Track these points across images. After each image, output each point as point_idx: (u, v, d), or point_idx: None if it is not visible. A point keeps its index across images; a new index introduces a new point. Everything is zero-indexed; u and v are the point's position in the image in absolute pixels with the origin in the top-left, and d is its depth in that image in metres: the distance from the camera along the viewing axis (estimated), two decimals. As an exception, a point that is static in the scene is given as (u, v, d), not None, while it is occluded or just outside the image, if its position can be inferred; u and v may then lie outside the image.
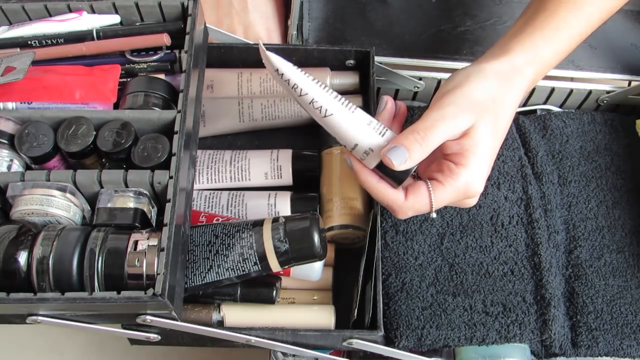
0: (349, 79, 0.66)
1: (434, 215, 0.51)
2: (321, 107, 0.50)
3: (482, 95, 0.50)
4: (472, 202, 0.52)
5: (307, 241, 0.50)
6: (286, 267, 0.51)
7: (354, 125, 0.50)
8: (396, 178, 0.50)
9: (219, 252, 0.51)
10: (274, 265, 0.50)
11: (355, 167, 0.51)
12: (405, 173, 0.50)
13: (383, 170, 0.50)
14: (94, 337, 1.13)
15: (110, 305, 0.45)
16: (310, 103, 0.50)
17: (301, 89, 0.50)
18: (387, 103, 0.53)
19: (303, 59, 0.65)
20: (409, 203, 0.50)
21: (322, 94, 0.50)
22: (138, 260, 0.46)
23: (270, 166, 0.61)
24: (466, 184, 0.49)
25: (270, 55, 0.50)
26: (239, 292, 0.54)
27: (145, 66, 0.57)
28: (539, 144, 0.64)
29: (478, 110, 0.49)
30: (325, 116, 0.50)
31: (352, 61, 0.66)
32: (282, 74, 0.50)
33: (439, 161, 0.51)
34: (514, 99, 0.51)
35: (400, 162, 0.48)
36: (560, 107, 0.71)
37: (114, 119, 0.52)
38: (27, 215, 0.49)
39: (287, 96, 0.65)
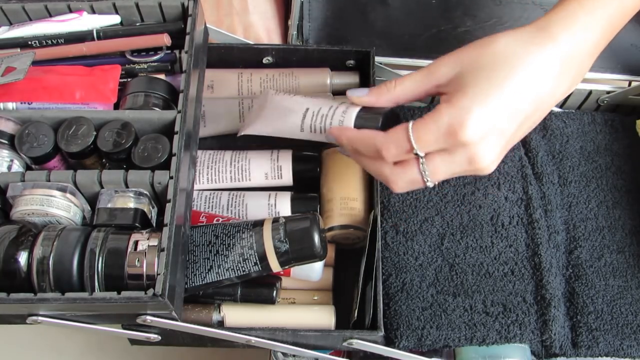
0: (349, 79, 0.66)
1: (420, 153, 0.47)
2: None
3: (478, 48, 0.47)
4: (482, 160, 0.47)
5: (307, 241, 0.50)
6: (286, 267, 0.51)
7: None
8: (369, 124, 0.51)
9: (219, 253, 0.51)
10: (274, 266, 0.50)
11: (335, 132, 0.51)
12: (374, 120, 0.51)
13: (359, 123, 0.52)
14: (94, 337, 1.13)
15: (110, 306, 0.45)
16: (291, 96, 0.57)
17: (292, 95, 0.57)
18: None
19: (303, 59, 0.65)
20: (386, 137, 0.48)
21: None
22: (138, 260, 0.46)
23: (270, 166, 0.61)
24: (449, 117, 0.46)
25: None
26: (239, 292, 0.54)
27: (146, 66, 0.57)
28: (539, 144, 0.64)
29: (466, 58, 0.48)
30: (311, 97, 0.56)
31: (352, 61, 0.66)
32: (275, 91, 0.58)
33: None
34: (534, 54, 0.46)
35: (358, 94, 0.51)
36: (561, 107, 0.71)
37: (114, 119, 0.52)
38: (28, 216, 0.49)
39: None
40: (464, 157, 0.47)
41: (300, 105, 0.55)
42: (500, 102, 0.46)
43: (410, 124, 0.47)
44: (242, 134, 0.58)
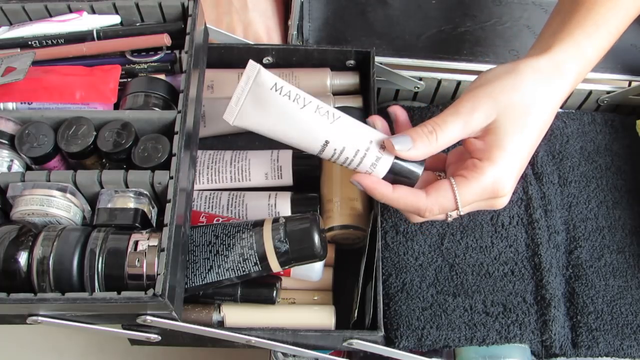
0: (349, 80, 0.66)
1: (461, 213, 0.49)
2: (328, 111, 0.49)
3: (510, 92, 0.48)
4: (502, 202, 0.50)
5: (307, 241, 0.50)
6: (286, 267, 0.51)
7: (360, 125, 0.50)
8: (407, 175, 0.50)
9: (219, 253, 0.51)
10: (274, 266, 0.50)
11: (368, 185, 0.49)
12: (414, 171, 0.49)
13: (395, 172, 0.49)
14: (94, 338, 1.13)
15: (110, 306, 0.45)
16: (315, 111, 0.49)
17: (304, 98, 0.49)
18: (377, 122, 0.52)
19: (303, 59, 0.65)
20: (431, 199, 0.48)
21: (321, 101, 0.50)
22: (138, 260, 0.46)
23: (270, 166, 0.61)
24: (494, 180, 0.48)
25: (265, 72, 0.48)
26: (239, 292, 0.54)
27: (146, 66, 0.57)
28: (539, 144, 0.64)
29: (502, 106, 0.48)
30: (334, 120, 0.49)
31: (352, 61, 0.66)
32: (282, 87, 0.48)
33: (465, 160, 0.50)
34: (552, 96, 0.49)
35: (403, 147, 0.48)
36: (561, 107, 0.71)
37: (114, 120, 0.52)
38: (28, 216, 0.49)
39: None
40: (490, 203, 0.50)
41: (317, 134, 0.49)
42: (528, 150, 0.49)
43: (455, 186, 0.48)
44: (236, 124, 0.49)
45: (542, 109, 0.49)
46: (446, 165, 0.54)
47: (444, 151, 0.53)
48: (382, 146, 0.49)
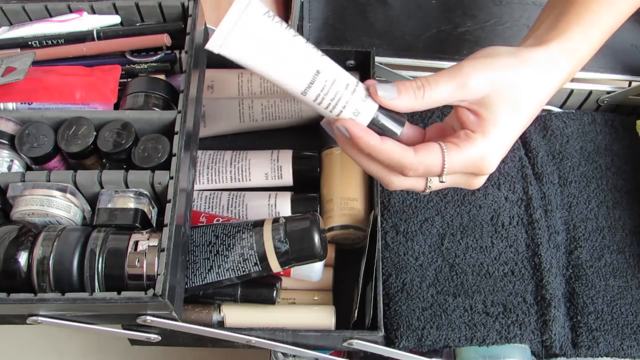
0: (349, 80, 0.66)
1: (443, 180, 0.48)
2: (314, 47, 0.46)
3: (510, 71, 0.48)
4: (479, 182, 0.50)
5: (307, 241, 0.50)
6: (286, 267, 0.51)
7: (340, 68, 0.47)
8: (385, 132, 0.47)
9: (220, 253, 0.51)
10: (275, 266, 0.50)
11: (355, 132, 0.46)
12: (393, 130, 0.47)
13: (374, 124, 0.47)
14: (94, 338, 1.13)
15: (110, 306, 0.45)
16: (306, 42, 0.46)
17: (294, 30, 0.45)
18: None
19: (303, 60, 0.65)
20: (419, 157, 0.46)
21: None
22: (138, 260, 0.46)
23: (270, 166, 0.61)
24: (482, 155, 0.47)
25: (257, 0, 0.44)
26: (239, 292, 0.54)
27: (146, 66, 0.57)
28: (540, 144, 0.64)
29: (499, 81, 0.47)
30: (323, 54, 0.46)
31: (352, 61, 0.66)
32: (274, 16, 0.45)
33: (457, 131, 0.49)
34: (544, 87, 0.49)
35: (386, 95, 0.46)
36: (561, 107, 0.71)
37: (114, 120, 0.52)
38: (28, 216, 0.49)
39: (287, 97, 0.65)
40: (470, 180, 0.50)
41: (310, 62, 0.45)
42: (516, 133, 0.49)
43: (445, 150, 0.46)
44: (221, 52, 0.44)
45: (536, 96, 0.49)
46: (425, 139, 0.51)
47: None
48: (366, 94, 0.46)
